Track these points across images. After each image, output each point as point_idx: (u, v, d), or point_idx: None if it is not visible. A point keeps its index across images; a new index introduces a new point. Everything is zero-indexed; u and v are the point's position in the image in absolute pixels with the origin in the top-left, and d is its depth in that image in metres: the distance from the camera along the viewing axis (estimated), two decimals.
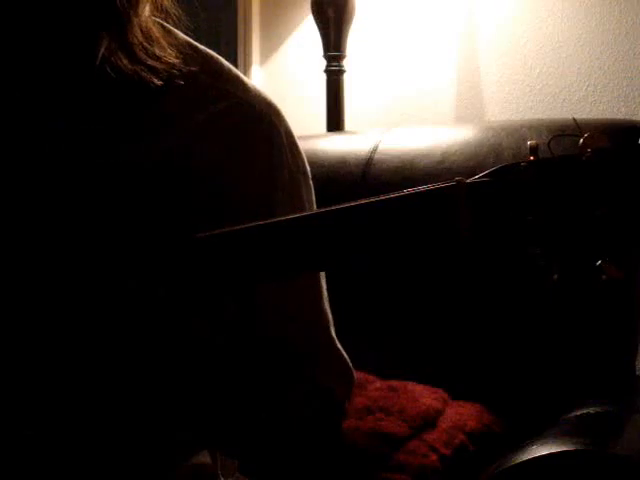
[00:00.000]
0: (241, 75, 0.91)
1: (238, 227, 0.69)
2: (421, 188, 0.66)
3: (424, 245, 0.66)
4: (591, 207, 0.62)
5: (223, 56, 0.92)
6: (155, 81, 0.80)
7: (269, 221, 0.69)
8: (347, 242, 0.66)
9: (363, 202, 0.67)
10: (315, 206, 0.92)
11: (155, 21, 0.85)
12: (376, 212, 0.66)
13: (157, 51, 0.82)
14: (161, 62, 0.81)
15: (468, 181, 0.65)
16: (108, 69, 0.80)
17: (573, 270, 0.62)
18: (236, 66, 0.92)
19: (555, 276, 0.62)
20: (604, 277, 0.61)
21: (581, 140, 0.62)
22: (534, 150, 0.64)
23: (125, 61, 0.80)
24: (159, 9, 0.84)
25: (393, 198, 0.66)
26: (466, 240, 0.64)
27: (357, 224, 0.67)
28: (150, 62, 0.80)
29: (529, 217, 0.63)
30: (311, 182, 0.92)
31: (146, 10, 0.80)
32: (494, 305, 1.45)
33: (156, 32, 0.82)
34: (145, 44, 0.81)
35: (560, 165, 0.63)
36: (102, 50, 0.80)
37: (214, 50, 0.92)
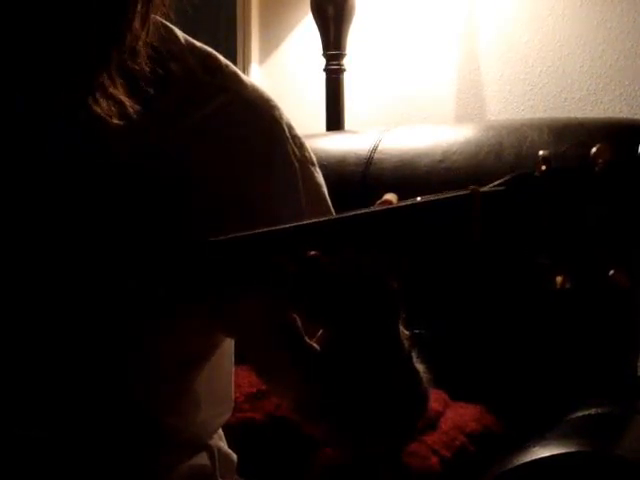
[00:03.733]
0: (238, 71, 0.90)
1: (246, 233, 0.68)
2: (433, 196, 0.66)
3: (435, 252, 0.66)
4: (604, 217, 0.62)
5: (222, 55, 0.91)
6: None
7: (285, 226, 0.68)
8: (356, 249, 0.66)
9: (373, 209, 0.67)
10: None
11: (158, 20, 0.84)
12: (386, 220, 0.66)
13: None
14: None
15: (482, 189, 0.64)
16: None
17: (583, 279, 0.62)
18: (235, 65, 0.92)
19: (568, 285, 0.62)
20: (613, 286, 0.61)
21: (593, 150, 0.62)
22: (547, 160, 0.63)
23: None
24: (163, 7, 0.84)
25: (404, 206, 0.66)
26: (478, 248, 0.64)
27: (366, 230, 0.66)
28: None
29: (541, 227, 0.63)
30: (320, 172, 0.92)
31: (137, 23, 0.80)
32: (495, 306, 1.45)
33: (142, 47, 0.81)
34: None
35: (573, 176, 0.63)
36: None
37: (213, 49, 0.91)
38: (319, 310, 0.67)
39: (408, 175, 1.54)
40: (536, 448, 1.09)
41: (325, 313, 0.67)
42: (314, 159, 0.91)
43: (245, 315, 0.84)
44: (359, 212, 0.68)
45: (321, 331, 0.71)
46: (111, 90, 0.78)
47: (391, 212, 0.66)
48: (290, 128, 0.89)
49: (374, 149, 1.62)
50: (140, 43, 0.80)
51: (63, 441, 0.81)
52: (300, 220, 0.69)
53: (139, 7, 0.79)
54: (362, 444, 0.86)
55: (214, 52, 0.90)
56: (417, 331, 0.82)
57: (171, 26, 0.88)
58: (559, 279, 0.63)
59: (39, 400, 0.80)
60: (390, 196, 0.67)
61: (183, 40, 0.88)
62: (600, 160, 0.62)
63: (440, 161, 1.53)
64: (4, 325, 0.74)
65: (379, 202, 0.67)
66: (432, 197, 0.66)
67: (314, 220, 0.69)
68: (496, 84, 2.03)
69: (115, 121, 0.78)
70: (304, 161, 0.89)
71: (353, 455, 1.22)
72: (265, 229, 0.68)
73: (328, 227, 0.68)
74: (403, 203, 0.66)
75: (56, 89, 0.79)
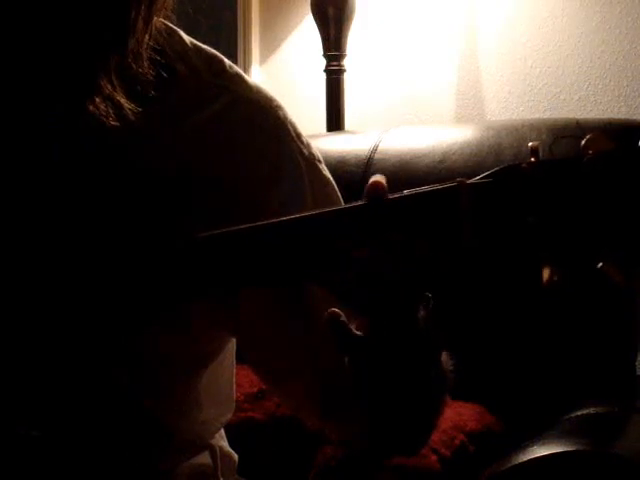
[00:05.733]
0: (242, 72, 0.91)
1: (238, 227, 0.68)
2: (422, 189, 0.66)
3: (426, 247, 0.66)
4: (592, 209, 0.62)
5: (223, 55, 0.92)
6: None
7: (271, 221, 0.68)
8: (349, 243, 0.66)
9: (364, 203, 0.67)
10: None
11: (161, 22, 0.85)
12: (377, 213, 0.66)
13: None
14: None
15: (469, 182, 0.64)
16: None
17: (574, 272, 0.62)
18: (236, 65, 0.93)
19: (555, 277, 0.62)
20: (603, 278, 0.61)
21: (583, 142, 0.62)
22: (535, 151, 0.63)
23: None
24: (165, 10, 0.84)
25: (394, 199, 0.66)
26: (468, 241, 0.64)
27: (359, 224, 0.66)
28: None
29: (530, 218, 0.63)
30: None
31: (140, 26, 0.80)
32: (494, 305, 1.45)
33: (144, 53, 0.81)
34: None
35: (561, 167, 0.63)
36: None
37: (214, 50, 0.92)
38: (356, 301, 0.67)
39: (408, 175, 1.54)
40: (535, 447, 1.09)
41: (360, 303, 0.68)
42: (320, 156, 0.91)
43: (248, 314, 0.85)
44: (346, 206, 0.68)
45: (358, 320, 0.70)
46: (110, 92, 0.78)
47: (381, 205, 0.66)
48: (294, 127, 0.89)
49: (374, 149, 1.62)
50: (143, 46, 0.80)
51: (64, 441, 0.81)
52: None
53: (141, 11, 0.79)
54: (378, 441, 0.85)
55: (219, 54, 0.91)
56: None
57: (176, 28, 0.88)
58: (547, 271, 0.63)
59: (40, 400, 0.80)
60: (379, 177, 0.67)
61: (188, 42, 0.89)
62: (589, 151, 0.62)
63: (440, 161, 1.53)
64: (4, 325, 0.74)
65: (368, 184, 0.67)
66: (419, 190, 0.66)
67: (305, 214, 0.69)
68: (496, 84, 2.03)
69: (112, 122, 0.78)
70: (311, 159, 0.89)
71: (357, 452, 1.22)
72: (251, 224, 0.68)
73: (317, 220, 0.68)
74: (391, 196, 0.66)
75: (56, 91, 0.79)
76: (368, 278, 0.66)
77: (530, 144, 0.64)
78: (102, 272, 0.71)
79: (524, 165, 0.63)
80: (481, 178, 0.65)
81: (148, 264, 0.70)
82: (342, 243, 0.66)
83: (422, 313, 0.69)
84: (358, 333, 0.67)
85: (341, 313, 0.67)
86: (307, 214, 0.69)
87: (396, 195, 0.66)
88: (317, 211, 0.70)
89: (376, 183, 0.67)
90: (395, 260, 0.66)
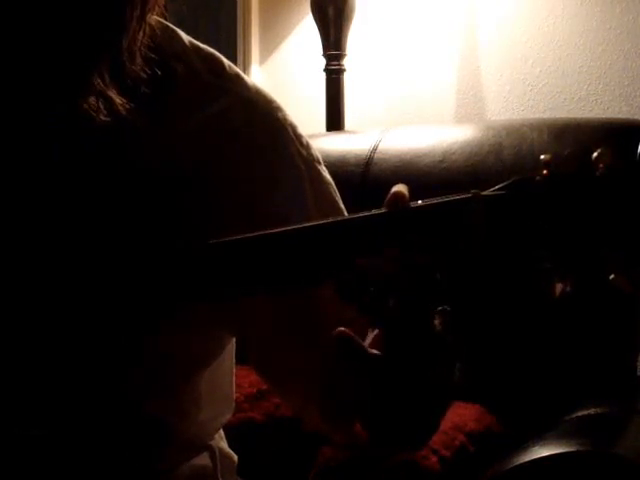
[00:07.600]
0: (242, 73, 0.90)
1: (248, 235, 0.68)
2: (436, 199, 0.66)
3: (437, 256, 0.66)
4: (604, 222, 0.62)
5: (223, 56, 0.92)
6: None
7: (289, 228, 0.68)
8: (360, 251, 0.66)
9: (376, 212, 0.67)
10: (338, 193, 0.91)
11: (158, 21, 0.84)
12: (389, 223, 0.66)
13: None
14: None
15: (484, 194, 0.65)
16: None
17: (584, 283, 0.63)
18: (235, 66, 0.92)
19: (568, 288, 0.62)
20: (614, 290, 0.62)
21: (594, 155, 0.62)
22: (548, 164, 0.64)
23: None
24: (159, 8, 0.84)
25: (404, 210, 0.66)
26: (479, 251, 0.65)
27: (371, 234, 0.66)
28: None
29: (542, 230, 0.63)
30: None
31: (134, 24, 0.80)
32: (495, 307, 1.45)
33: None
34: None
35: (574, 180, 0.63)
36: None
37: (214, 50, 0.92)
38: (372, 312, 0.67)
39: (408, 175, 1.54)
40: (536, 448, 1.09)
41: (378, 314, 0.67)
42: (320, 157, 0.91)
43: (249, 314, 0.85)
44: (359, 215, 0.68)
45: (372, 336, 0.70)
46: (102, 90, 0.78)
47: (393, 215, 0.66)
48: (294, 128, 0.89)
49: (374, 149, 1.62)
50: (137, 45, 0.80)
51: (63, 441, 0.81)
52: (307, 222, 0.69)
53: (135, 9, 0.79)
54: (384, 442, 0.85)
55: (218, 54, 0.91)
56: None
57: (174, 28, 0.88)
58: (559, 284, 0.63)
59: (39, 399, 0.80)
60: (401, 187, 0.68)
61: (187, 42, 0.89)
62: (601, 165, 0.62)
63: (440, 161, 1.53)
64: (4, 325, 0.74)
65: (390, 195, 0.67)
66: (433, 200, 0.66)
67: (317, 222, 0.69)
68: (496, 84, 2.03)
69: (103, 117, 0.78)
70: (311, 160, 0.89)
71: (358, 453, 1.23)
72: (262, 232, 0.68)
73: (330, 229, 0.68)
74: (403, 207, 0.66)
75: (49, 89, 0.79)
76: (379, 286, 0.66)
77: (542, 157, 0.64)
78: (104, 273, 0.71)
79: (537, 178, 0.64)
80: (495, 190, 0.65)
81: (153, 266, 0.70)
82: (357, 251, 0.66)
83: (438, 322, 0.70)
84: (374, 352, 0.67)
85: (351, 333, 0.67)
86: (326, 221, 0.69)
87: (410, 205, 0.67)
88: (336, 218, 0.70)
89: (398, 193, 0.67)
90: (409, 269, 0.66)
